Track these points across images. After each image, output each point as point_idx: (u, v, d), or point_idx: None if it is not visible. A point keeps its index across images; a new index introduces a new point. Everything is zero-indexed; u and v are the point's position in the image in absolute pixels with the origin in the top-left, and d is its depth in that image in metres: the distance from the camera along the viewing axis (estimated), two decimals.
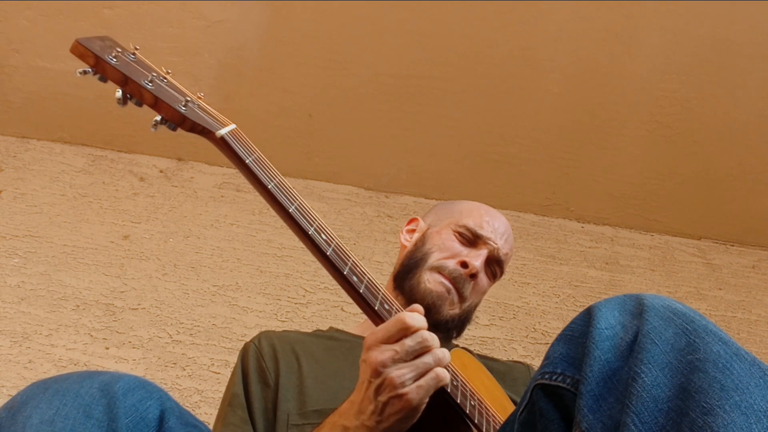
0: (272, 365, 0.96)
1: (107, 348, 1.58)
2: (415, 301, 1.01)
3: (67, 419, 0.61)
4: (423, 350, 0.71)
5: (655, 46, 1.93)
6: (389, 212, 2.14)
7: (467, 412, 0.76)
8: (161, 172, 2.15)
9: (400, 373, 0.69)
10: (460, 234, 1.07)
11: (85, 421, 0.62)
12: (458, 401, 0.76)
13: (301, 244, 0.77)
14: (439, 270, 1.03)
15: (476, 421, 0.77)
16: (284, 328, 1.67)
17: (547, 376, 0.63)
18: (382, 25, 1.99)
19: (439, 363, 0.71)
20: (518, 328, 1.79)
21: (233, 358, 1.58)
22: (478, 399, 0.82)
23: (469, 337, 1.70)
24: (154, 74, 0.75)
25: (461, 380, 0.80)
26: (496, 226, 1.10)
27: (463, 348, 1.05)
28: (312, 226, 0.75)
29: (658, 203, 2.13)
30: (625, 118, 2.03)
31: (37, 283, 1.72)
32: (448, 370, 0.75)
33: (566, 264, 2.01)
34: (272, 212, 2.23)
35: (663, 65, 1.95)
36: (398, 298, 1.06)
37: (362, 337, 0.81)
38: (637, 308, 0.62)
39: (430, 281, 1.03)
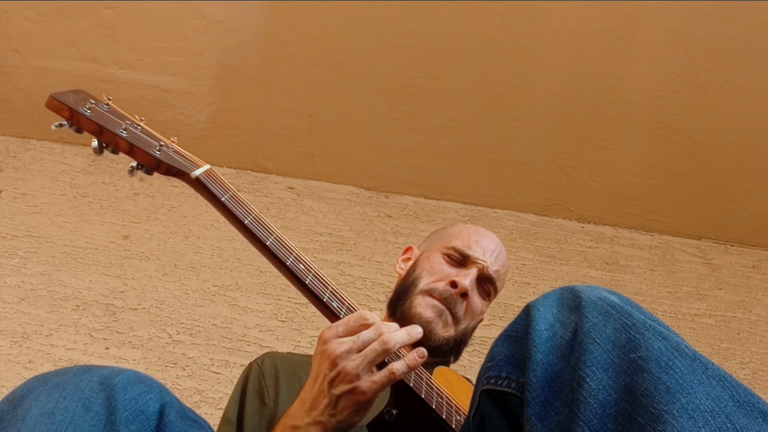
0: (272, 384, 0.98)
1: (107, 348, 1.58)
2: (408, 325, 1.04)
3: (67, 412, 0.62)
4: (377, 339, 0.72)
5: (655, 46, 1.93)
6: (389, 212, 2.14)
7: (433, 407, 0.78)
8: None
9: (355, 364, 0.71)
10: (448, 256, 1.10)
11: (85, 413, 0.62)
12: (423, 396, 0.77)
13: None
14: (429, 293, 1.05)
15: (444, 416, 0.78)
16: (284, 329, 1.68)
17: (492, 381, 0.62)
18: (382, 25, 1.99)
19: (384, 345, 0.72)
20: None
21: (233, 358, 1.58)
22: (446, 396, 0.83)
23: None
24: (128, 122, 0.77)
25: (427, 379, 0.82)
26: (485, 245, 1.11)
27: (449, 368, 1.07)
28: (289, 257, 0.78)
29: (658, 203, 2.13)
30: (625, 118, 2.03)
31: (37, 283, 1.72)
32: (416, 375, 0.77)
33: (566, 264, 2.01)
34: (273, 213, 2.21)
35: (663, 65, 1.95)
36: None
37: None
38: (574, 302, 0.62)
39: (421, 305, 1.04)
